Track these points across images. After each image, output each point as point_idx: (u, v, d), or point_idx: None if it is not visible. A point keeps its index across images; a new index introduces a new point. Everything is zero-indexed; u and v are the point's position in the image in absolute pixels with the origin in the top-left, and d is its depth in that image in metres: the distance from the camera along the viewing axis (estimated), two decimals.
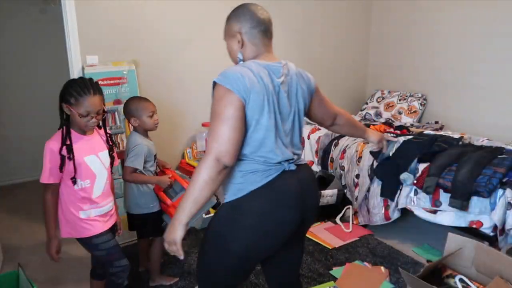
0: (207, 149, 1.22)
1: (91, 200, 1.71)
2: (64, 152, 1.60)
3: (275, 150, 1.30)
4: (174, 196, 2.07)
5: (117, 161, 1.87)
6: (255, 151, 1.29)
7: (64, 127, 1.63)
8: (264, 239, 1.31)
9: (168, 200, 2.01)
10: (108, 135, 1.80)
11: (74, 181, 1.64)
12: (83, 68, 2.62)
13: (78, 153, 1.64)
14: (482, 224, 2.30)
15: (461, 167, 2.37)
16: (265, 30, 1.39)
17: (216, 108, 1.24)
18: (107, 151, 1.78)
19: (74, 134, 1.66)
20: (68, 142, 1.62)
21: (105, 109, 1.72)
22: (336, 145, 3.25)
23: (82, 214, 1.70)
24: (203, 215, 2.84)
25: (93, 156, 1.70)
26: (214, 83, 1.28)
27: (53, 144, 1.60)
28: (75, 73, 2.62)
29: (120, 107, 2.72)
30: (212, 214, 2.93)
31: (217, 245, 1.34)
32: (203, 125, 3.15)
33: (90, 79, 1.66)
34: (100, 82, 2.60)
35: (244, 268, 1.38)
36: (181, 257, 1.29)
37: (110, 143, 1.80)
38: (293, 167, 1.35)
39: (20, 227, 3.02)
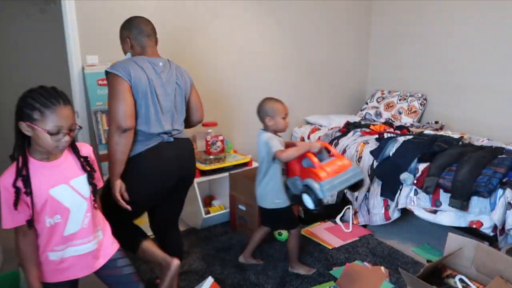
0: (108, 123, 1.69)
1: (64, 238, 1.35)
2: (20, 184, 1.24)
3: (155, 125, 1.77)
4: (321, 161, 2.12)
5: (101, 183, 1.53)
6: (139, 124, 1.74)
7: (20, 157, 1.27)
8: (147, 188, 1.79)
9: (316, 162, 2.06)
10: (82, 159, 1.40)
11: (29, 224, 1.28)
12: (83, 68, 2.62)
13: (39, 187, 1.27)
14: (482, 224, 2.30)
15: (461, 167, 2.37)
16: (148, 35, 1.86)
17: (109, 90, 1.70)
18: (84, 176, 1.38)
19: (33, 162, 1.29)
20: (24, 173, 1.25)
21: (78, 125, 1.38)
22: (336, 145, 3.24)
23: (52, 256, 1.36)
24: (203, 214, 2.84)
25: (62, 186, 1.32)
26: (107, 72, 1.73)
27: (5, 181, 1.24)
28: (75, 73, 2.63)
29: None
30: (211, 215, 2.94)
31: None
32: (203, 125, 3.15)
33: (53, 87, 1.29)
34: (100, 82, 2.63)
35: (136, 208, 1.81)
36: (125, 206, 1.72)
37: (89, 169, 1.40)
38: (171, 139, 1.83)
39: None
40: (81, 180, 1.38)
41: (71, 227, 1.36)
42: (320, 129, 3.66)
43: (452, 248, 1.95)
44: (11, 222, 1.27)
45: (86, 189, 1.39)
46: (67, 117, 1.26)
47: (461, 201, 2.29)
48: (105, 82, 2.62)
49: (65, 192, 1.33)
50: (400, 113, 3.70)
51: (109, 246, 1.53)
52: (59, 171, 1.34)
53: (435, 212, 2.49)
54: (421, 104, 3.67)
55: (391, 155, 2.76)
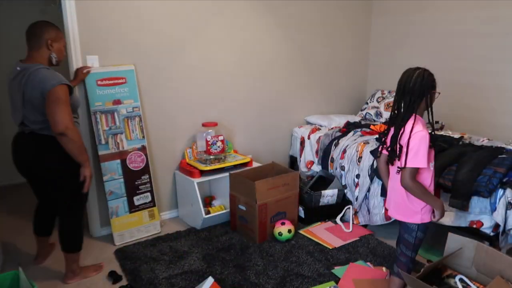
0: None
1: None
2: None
3: (14, 119, 2.14)
4: None
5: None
6: None
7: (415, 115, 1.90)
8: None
9: None
10: None
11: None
12: None
13: None
14: (482, 224, 2.30)
15: (461, 167, 2.36)
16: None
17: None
18: None
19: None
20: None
21: None
22: (336, 145, 3.25)
23: None
24: (203, 214, 2.84)
25: None
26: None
27: (426, 132, 1.81)
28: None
29: (120, 107, 2.73)
30: (211, 215, 2.93)
31: None
32: (203, 125, 3.15)
33: None
34: (99, 83, 2.63)
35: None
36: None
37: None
38: (26, 131, 2.10)
39: (20, 227, 3.02)
40: None
41: None
42: (320, 129, 3.66)
43: (452, 248, 1.95)
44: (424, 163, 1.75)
45: None
46: None
47: (461, 201, 2.29)
48: (104, 82, 2.65)
49: None
50: None
51: None
52: None
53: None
54: None
55: None
